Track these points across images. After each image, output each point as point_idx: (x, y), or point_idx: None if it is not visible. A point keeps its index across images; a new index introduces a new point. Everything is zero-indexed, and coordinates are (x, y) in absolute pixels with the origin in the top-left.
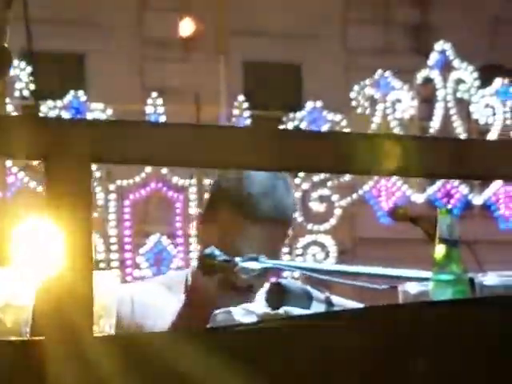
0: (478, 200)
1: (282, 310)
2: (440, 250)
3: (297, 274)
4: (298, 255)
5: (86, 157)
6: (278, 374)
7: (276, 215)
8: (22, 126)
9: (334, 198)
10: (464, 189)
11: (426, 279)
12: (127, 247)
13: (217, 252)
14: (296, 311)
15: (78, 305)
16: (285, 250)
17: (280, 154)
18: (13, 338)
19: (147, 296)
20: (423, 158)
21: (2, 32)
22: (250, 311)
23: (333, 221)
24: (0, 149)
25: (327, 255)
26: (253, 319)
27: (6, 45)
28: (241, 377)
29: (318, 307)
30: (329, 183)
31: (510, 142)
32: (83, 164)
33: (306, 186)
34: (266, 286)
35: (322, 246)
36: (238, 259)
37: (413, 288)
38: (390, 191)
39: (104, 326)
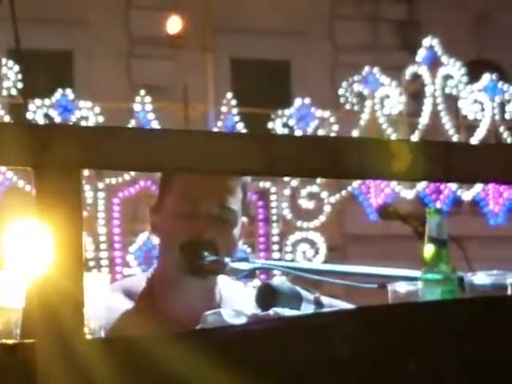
0: (467, 196)
1: (271, 311)
2: (429, 250)
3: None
4: (287, 252)
5: (75, 164)
6: (269, 374)
7: None
8: (10, 133)
9: (323, 194)
10: (453, 185)
11: (415, 278)
12: (117, 246)
13: (205, 253)
14: (286, 312)
15: (68, 307)
16: (274, 247)
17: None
18: (3, 341)
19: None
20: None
21: None
22: (239, 312)
23: (322, 218)
24: None
25: (317, 252)
26: (242, 320)
27: None
28: (232, 377)
29: (307, 308)
30: (318, 180)
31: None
32: (72, 171)
33: (295, 183)
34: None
35: (312, 243)
36: (227, 260)
37: (402, 287)
38: (379, 188)
39: (95, 329)
